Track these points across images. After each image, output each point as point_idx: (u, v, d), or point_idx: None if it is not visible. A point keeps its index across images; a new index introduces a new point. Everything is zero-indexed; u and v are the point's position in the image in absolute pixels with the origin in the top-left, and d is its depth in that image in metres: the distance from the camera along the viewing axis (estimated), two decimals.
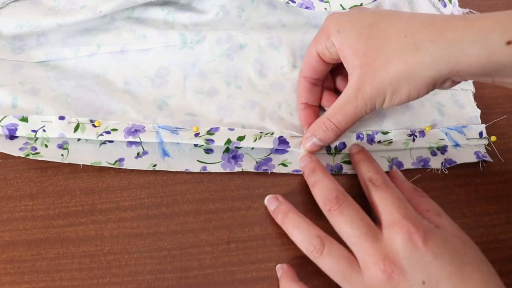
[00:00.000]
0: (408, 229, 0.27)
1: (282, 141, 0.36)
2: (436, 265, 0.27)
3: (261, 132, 0.36)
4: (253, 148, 0.36)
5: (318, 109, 0.38)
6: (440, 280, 0.26)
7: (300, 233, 0.31)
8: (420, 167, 0.37)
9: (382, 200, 0.30)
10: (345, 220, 0.29)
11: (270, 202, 0.34)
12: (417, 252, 0.27)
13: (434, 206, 0.32)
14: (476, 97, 0.41)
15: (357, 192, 0.35)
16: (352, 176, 0.36)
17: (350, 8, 0.38)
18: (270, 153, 0.37)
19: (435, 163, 0.37)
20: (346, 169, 0.36)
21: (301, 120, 0.37)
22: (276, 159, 0.36)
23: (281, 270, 0.31)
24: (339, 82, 0.38)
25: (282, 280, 0.31)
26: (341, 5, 0.38)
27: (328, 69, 0.36)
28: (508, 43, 0.26)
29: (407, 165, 0.37)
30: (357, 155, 0.35)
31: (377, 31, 0.29)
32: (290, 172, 0.36)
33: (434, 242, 0.27)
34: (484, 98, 0.41)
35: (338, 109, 0.32)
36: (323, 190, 0.31)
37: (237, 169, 0.36)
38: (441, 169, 0.37)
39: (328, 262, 0.29)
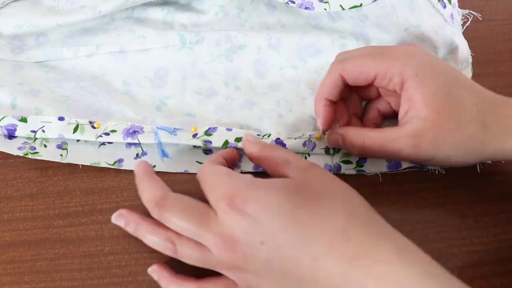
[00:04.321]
0: (227, 201, 0.27)
1: (279, 143, 0.36)
2: (266, 222, 0.26)
3: (258, 135, 0.36)
4: None
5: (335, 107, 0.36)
6: (276, 235, 0.26)
7: (153, 237, 0.30)
8: (419, 166, 0.37)
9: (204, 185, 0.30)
10: (174, 214, 0.29)
11: (118, 220, 0.32)
12: (245, 219, 0.27)
13: (283, 156, 0.31)
14: None
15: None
16: (351, 176, 0.36)
17: (350, 8, 0.38)
18: None
19: None
20: (344, 169, 0.36)
21: (319, 114, 0.35)
22: None
23: (155, 272, 0.30)
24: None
25: (162, 282, 0.30)
26: (340, 5, 0.38)
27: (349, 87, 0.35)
28: None
29: (406, 165, 0.37)
30: None
31: (454, 95, 0.31)
32: None
33: (255, 203, 0.27)
34: None
35: (379, 136, 0.32)
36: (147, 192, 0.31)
37: (236, 170, 0.36)
38: (438, 168, 0.37)
39: (186, 258, 0.29)
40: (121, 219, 0.31)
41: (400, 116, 0.33)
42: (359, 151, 0.34)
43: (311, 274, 0.26)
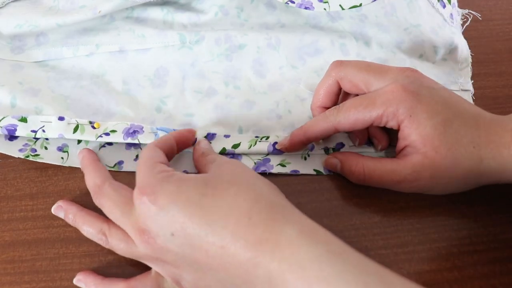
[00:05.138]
0: (140, 194, 0.28)
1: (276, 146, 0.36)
2: (175, 213, 0.27)
3: (256, 137, 0.37)
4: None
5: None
6: (184, 225, 0.27)
7: (88, 228, 0.31)
8: None
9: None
10: (107, 202, 0.30)
11: (57, 211, 0.34)
12: (155, 212, 0.27)
13: (211, 157, 0.32)
14: (476, 97, 0.41)
15: (353, 193, 0.35)
16: None
17: (349, 8, 0.38)
18: (268, 154, 0.37)
19: None
20: None
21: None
22: (274, 159, 0.36)
23: (81, 281, 0.31)
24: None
25: None
26: (340, 5, 0.38)
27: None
28: None
29: None
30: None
31: (450, 132, 0.31)
32: (289, 172, 0.36)
33: (165, 195, 0.27)
34: (484, 98, 0.41)
35: (378, 166, 0.33)
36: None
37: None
38: None
39: (116, 250, 0.30)
40: (61, 210, 0.33)
41: (398, 148, 0.33)
42: (357, 180, 0.34)
43: (220, 262, 0.26)
